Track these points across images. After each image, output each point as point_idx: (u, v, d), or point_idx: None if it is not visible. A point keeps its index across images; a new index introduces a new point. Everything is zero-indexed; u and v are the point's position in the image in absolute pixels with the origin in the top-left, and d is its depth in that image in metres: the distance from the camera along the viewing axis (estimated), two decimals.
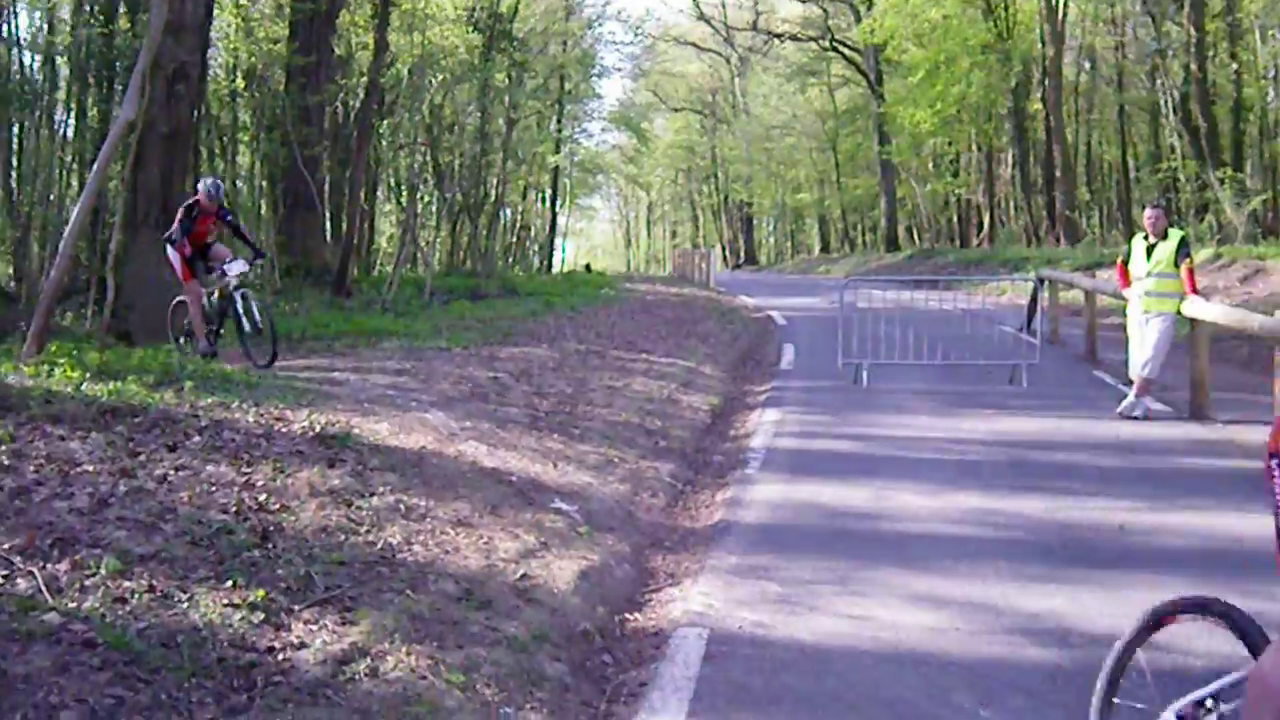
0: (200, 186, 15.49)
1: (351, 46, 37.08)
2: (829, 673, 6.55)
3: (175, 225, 15.42)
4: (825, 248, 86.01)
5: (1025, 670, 6.61)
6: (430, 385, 13.76)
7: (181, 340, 16.29)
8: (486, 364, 15.98)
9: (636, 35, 71.11)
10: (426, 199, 43.08)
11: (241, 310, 15.03)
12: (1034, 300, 20.87)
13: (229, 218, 16.00)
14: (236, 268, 15.16)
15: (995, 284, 32.47)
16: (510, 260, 56.32)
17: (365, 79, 31.54)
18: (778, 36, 75.40)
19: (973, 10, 49.19)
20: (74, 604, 5.89)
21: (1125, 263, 15.14)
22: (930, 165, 63.04)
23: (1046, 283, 22.92)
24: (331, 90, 32.41)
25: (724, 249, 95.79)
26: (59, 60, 36.82)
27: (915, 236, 68.95)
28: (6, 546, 6.49)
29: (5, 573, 6.17)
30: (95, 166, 15.51)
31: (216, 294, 15.69)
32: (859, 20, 60.34)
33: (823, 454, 12.85)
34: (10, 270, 34.81)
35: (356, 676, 5.71)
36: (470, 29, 36.71)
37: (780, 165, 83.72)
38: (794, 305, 33.47)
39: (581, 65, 55.54)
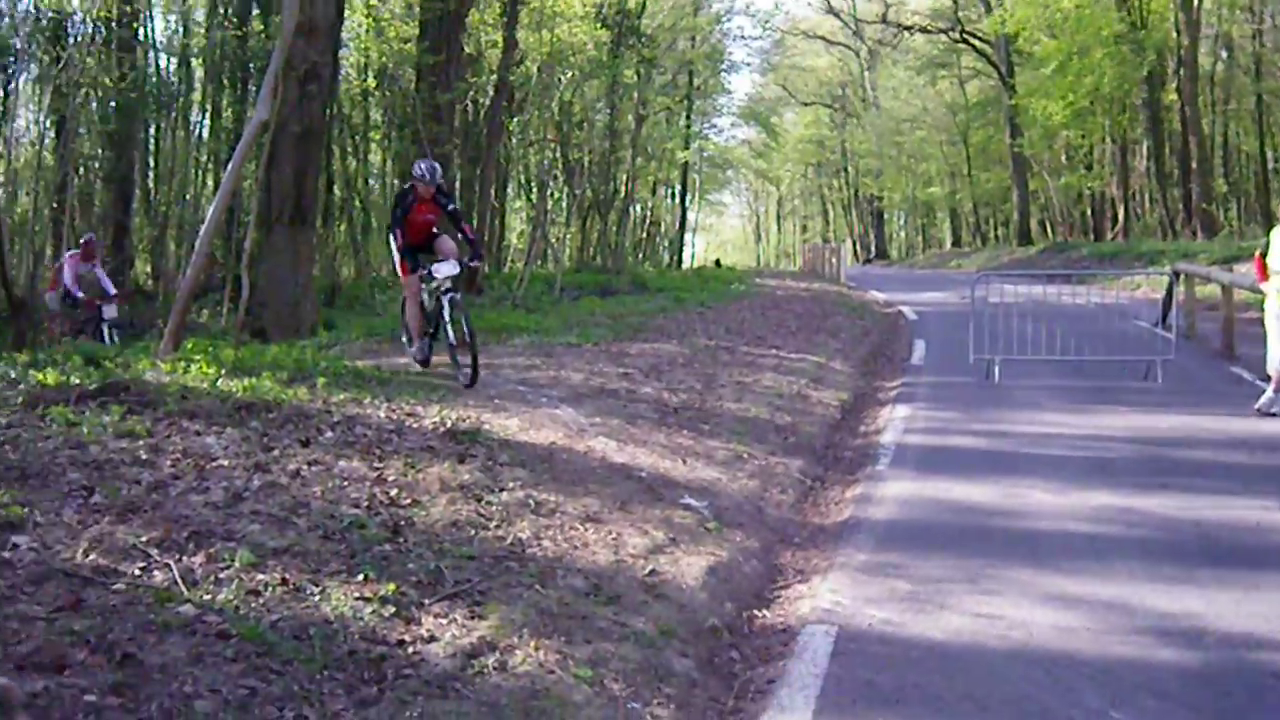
0: (415, 168, 13.80)
1: (481, 45, 37.35)
2: (957, 671, 6.48)
3: (391, 214, 14.18)
4: (957, 242, 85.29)
5: (1157, 671, 6.49)
6: (560, 381, 13.82)
7: (405, 339, 15.08)
8: (616, 360, 16.00)
9: (765, 29, 71.10)
10: (556, 195, 43.31)
11: (448, 318, 13.29)
12: (1169, 295, 20.55)
13: (450, 206, 14.03)
14: (444, 269, 13.33)
15: (1130, 278, 31.98)
16: (640, 256, 56.51)
17: (495, 77, 31.76)
18: (907, 29, 74.83)
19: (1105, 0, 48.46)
20: (209, 596, 5.98)
21: (1264, 256, 14.83)
22: (1063, 158, 62.25)
23: (1182, 277, 22.56)
24: (461, 88, 32.63)
25: (854, 243, 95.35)
26: (194, 62, 37.48)
27: (1048, 230, 68.11)
28: (144, 539, 6.61)
29: (142, 565, 6.29)
30: (230, 166, 15.73)
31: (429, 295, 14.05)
32: (989, 11, 59.77)
33: (953, 450, 12.73)
34: (148, 269, 35.50)
35: (485, 670, 5.74)
36: (599, 25, 36.80)
37: (910, 159, 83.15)
38: (925, 300, 33.21)
39: (710, 60, 55.51)
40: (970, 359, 17.72)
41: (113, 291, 20.99)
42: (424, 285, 13.68)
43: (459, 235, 14.13)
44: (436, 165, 14.00)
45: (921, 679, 6.40)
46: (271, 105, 14.99)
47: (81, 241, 21.38)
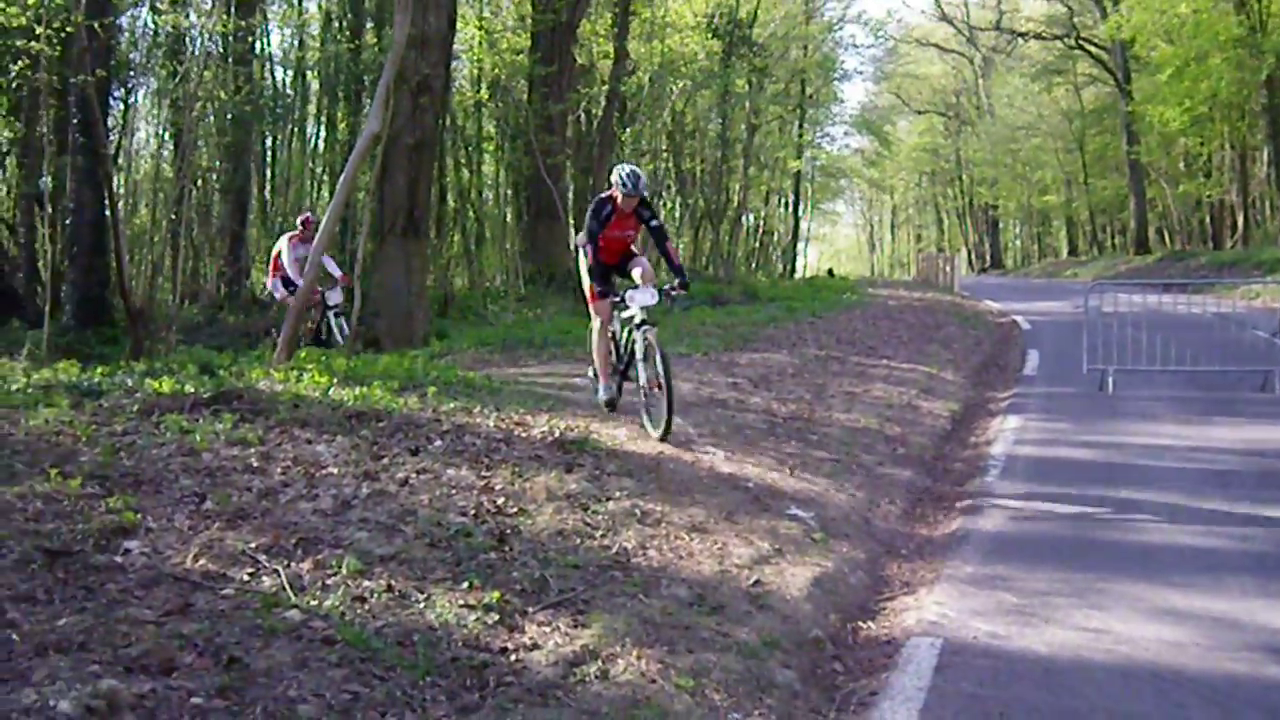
0: (614, 175, 11.49)
1: (593, 55, 37.53)
2: (1062, 686, 6.41)
3: (585, 226, 11.86)
4: (1073, 250, 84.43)
5: (1267, 688, 6.38)
6: None
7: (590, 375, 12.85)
8: (726, 369, 16.00)
9: (878, 37, 70.80)
10: (670, 205, 43.38)
11: (640, 356, 11.28)
12: None
13: (654, 222, 11.86)
14: (642, 298, 11.20)
15: (1249, 287, 31.49)
16: (753, 265, 56.42)
17: (606, 87, 31.86)
18: (1021, 35, 74.21)
19: (1224, 4, 47.74)
20: (315, 602, 6.07)
21: None
22: (1181, 165, 61.42)
23: None
24: (573, 99, 32.84)
25: (969, 253, 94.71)
26: (309, 75, 37.97)
27: (1166, 238, 67.25)
28: (253, 545, 6.73)
29: (251, 570, 6.40)
30: (343, 177, 15.92)
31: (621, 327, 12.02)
32: (1105, 17, 59.04)
33: (1064, 462, 12.59)
34: (265, 279, 35.98)
35: (586, 678, 5.77)
36: (710, 35, 36.85)
37: (1026, 167, 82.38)
38: (1039, 310, 32.91)
39: (822, 69, 55.34)
40: (1084, 369, 17.52)
41: (337, 274, 19.49)
42: (615, 313, 11.82)
43: (661, 256, 12.12)
44: (640, 173, 11.67)
45: (1025, 693, 6.35)
46: (383, 117, 15.16)
47: (299, 221, 19.81)
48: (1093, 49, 66.40)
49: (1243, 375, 17.27)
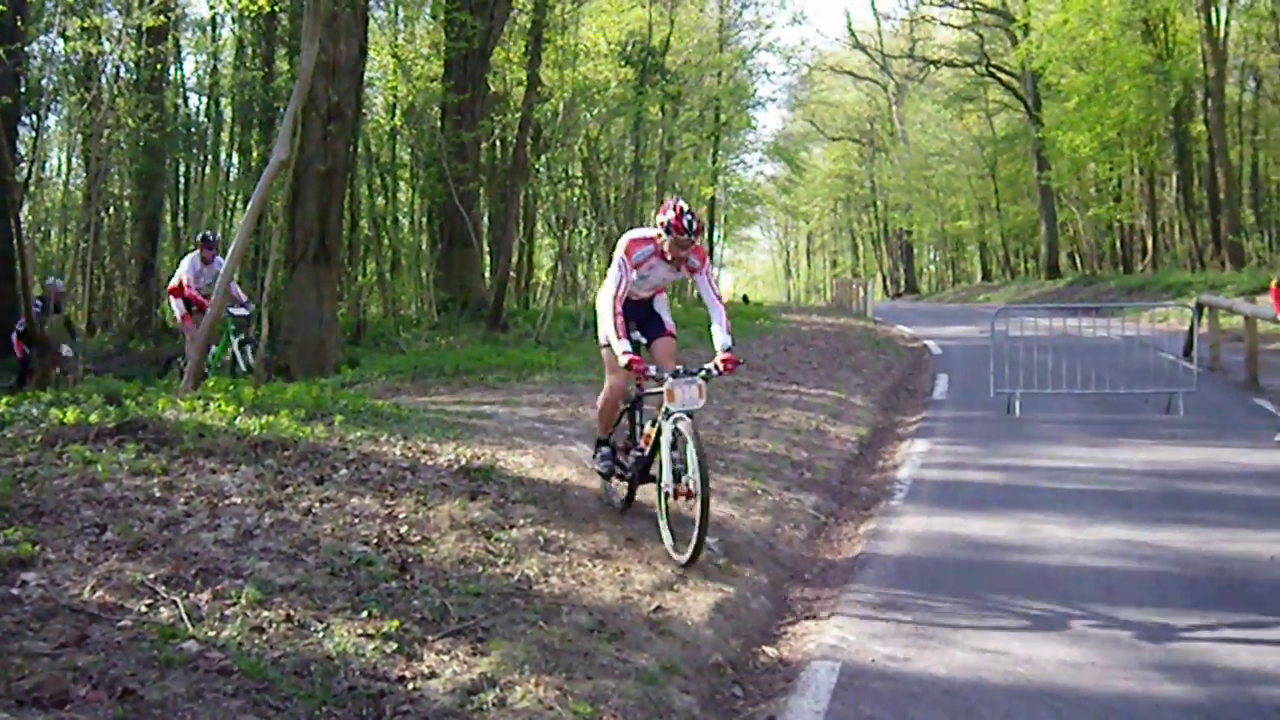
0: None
1: (507, 83, 37.53)
2: (959, 708, 6.49)
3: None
4: (986, 275, 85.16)
5: (1162, 707, 6.49)
6: (577, 418, 13.84)
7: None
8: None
9: (789, 63, 71.18)
10: (585, 232, 43.43)
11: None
12: (1193, 327, 20.54)
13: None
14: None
15: (1157, 310, 31.89)
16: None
17: (519, 115, 31.90)
18: (934, 63, 74.77)
19: (1132, 32, 48.46)
20: (213, 632, 6.07)
21: None
22: (1091, 190, 62.18)
23: (1205, 309, 22.53)
24: (486, 126, 32.81)
25: (884, 278, 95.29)
26: (223, 102, 37.80)
27: (1077, 262, 67.98)
28: (153, 576, 6.70)
29: (150, 601, 6.37)
30: (250, 205, 15.85)
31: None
32: (1015, 45, 59.75)
33: (969, 485, 12.73)
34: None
35: (484, 706, 5.80)
36: (623, 63, 36.91)
37: (939, 192, 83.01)
38: (951, 334, 33.18)
39: (736, 96, 55.51)
40: (991, 393, 17.70)
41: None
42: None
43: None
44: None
45: (922, 715, 6.43)
46: (291, 144, 15.09)
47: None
48: (1003, 76, 67.07)
49: (1148, 397, 17.50)
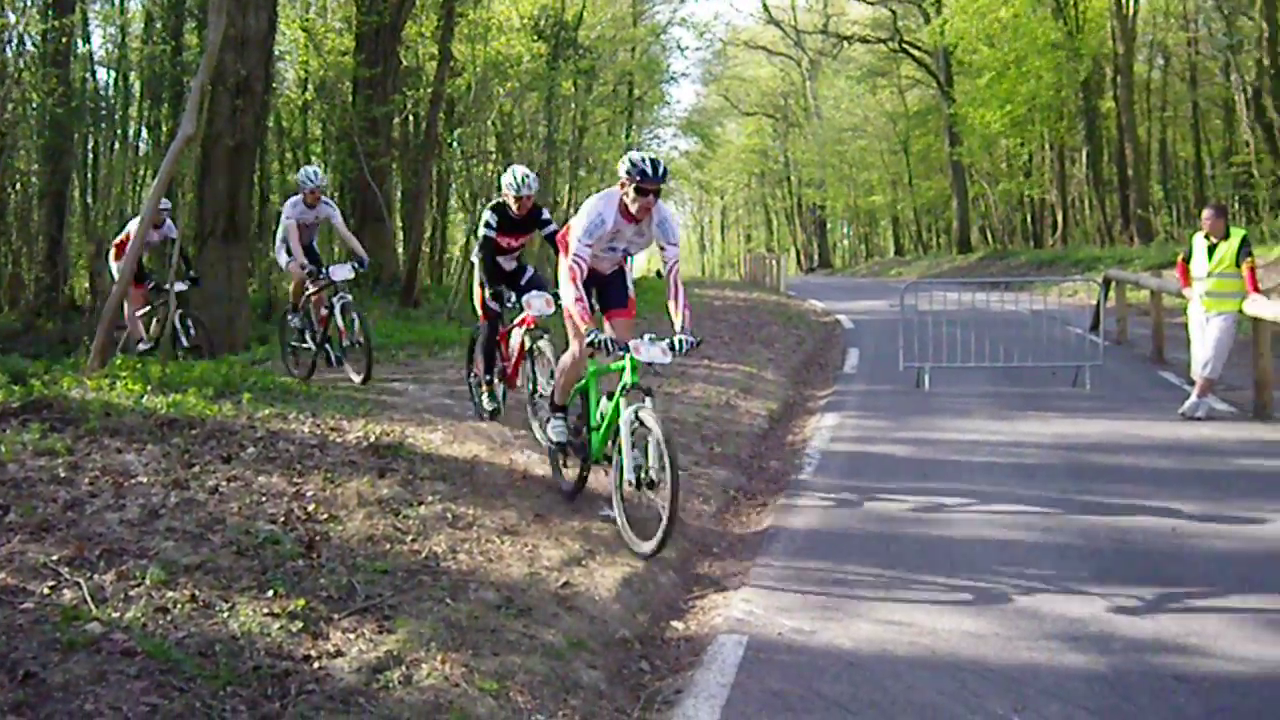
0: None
1: (419, 58, 37.32)
2: (864, 679, 6.55)
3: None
4: (899, 250, 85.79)
5: (1063, 676, 6.56)
6: None
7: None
8: None
9: (702, 37, 71.19)
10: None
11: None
12: (1100, 301, 20.79)
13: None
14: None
15: (1067, 285, 32.21)
16: None
17: (431, 90, 31.73)
18: (847, 39, 75.15)
19: (1042, 9, 48.85)
20: (117, 614, 6.01)
21: (1186, 261, 15.06)
22: (1002, 165, 62.69)
23: (1112, 283, 22.81)
24: (398, 101, 32.63)
25: (798, 253, 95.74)
26: (131, 76, 37.28)
27: (988, 237, 68.52)
28: (56, 558, 6.65)
29: (52, 584, 6.32)
30: (155, 181, 15.68)
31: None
32: (928, 21, 60.11)
33: (878, 458, 12.82)
34: (86, 285, 35.27)
35: (390, 684, 5.78)
36: (535, 38, 36.79)
37: (852, 168, 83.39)
38: (862, 309, 33.38)
39: (649, 72, 55.50)
40: (900, 367, 17.83)
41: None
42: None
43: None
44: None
45: (828, 687, 6.47)
46: (198, 119, 14.96)
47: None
48: (916, 53, 67.48)
49: (1056, 371, 17.70)
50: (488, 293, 11.54)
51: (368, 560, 7.39)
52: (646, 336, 8.94)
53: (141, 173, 37.65)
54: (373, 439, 10.32)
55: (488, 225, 11.41)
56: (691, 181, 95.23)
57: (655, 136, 67.96)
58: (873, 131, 79.13)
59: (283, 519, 7.90)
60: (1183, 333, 16.18)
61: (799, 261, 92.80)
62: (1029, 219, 63.86)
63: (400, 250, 36.52)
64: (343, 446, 10.03)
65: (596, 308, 9.83)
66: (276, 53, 30.82)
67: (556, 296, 10.41)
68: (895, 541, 9.42)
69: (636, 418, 8.72)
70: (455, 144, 37.70)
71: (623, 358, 9.00)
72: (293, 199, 15.18)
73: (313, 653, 5.99)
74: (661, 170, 9.02)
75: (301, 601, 6.48)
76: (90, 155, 38.01)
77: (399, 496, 8.83)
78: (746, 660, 6.86)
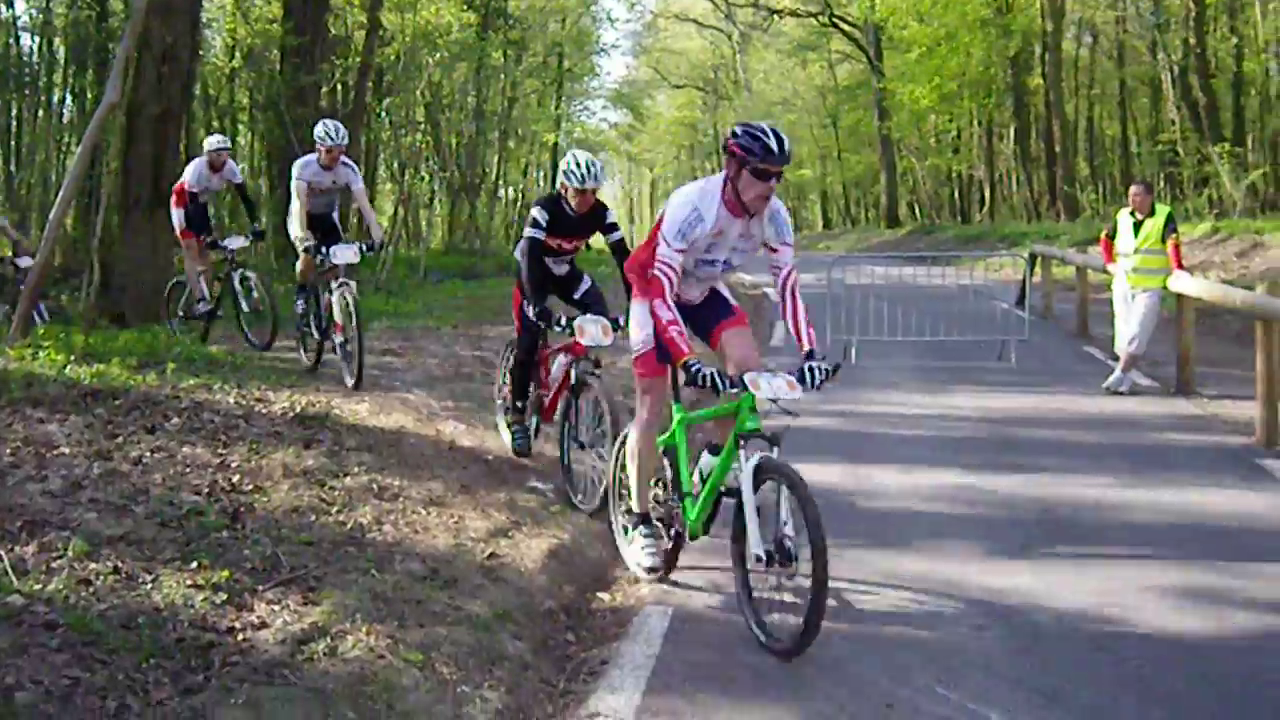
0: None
1: (348, 26, 37.08)
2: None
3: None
4: (828, 224, 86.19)
5: (986, 646, 6.63)
6: (415, 365, 13.81)
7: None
8: (473, 343, 16.02)
9: (633, 9, 71.22)
10: (427, 178, 43.15)
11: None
12: (1026, 276, 20.96)
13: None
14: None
15: (996, 259, 32.44)
16: (511, 238, 56.45)
17: (360, 59, 31.56)
18: (777, 12, 75.17)
19: None
20: (38, 586, 5.94)
21: (1110, 238, 15.21)
22: (931, 140, 63.03)
23: (1038, 259, 23.00)
24: (325, 70, 32.39)
25: None
26: (56, 42, 36.86)
27: (916, 212, 68.91)
28: None
29: None
30: (79, 148, 15.53)
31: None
32: None
33: (805, 431, 12.77)
34: (10, 253, 34.95)
35: (315, 656, 5.75)
36: (465, 7, 36.66)
37: None
38: None
39: (579, 43, 55.46)
40: (828, 340, 17.90)
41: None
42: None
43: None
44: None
45: (753, 658, 6.51)
46: (123, 86, 14.81)
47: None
48: (846, 27, 67.68)
49: (982, 344, 17.83)
50: (532, 309, 9.41)
51: (293, 531, 7.35)
52: (765, 370, 7.14)
53: (66, 140, 37.27)
54: (299, 410, 10.29)
55: (535, 225, 9.38)
56: (621, 154, 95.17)
57: (585, 108, 68.12)
58: (802, 105, 79.38)
59: (207, 490, 7.85)
60: (1107, 308, 16.33)
61: None
62: (957, 194, 64.29)
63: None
64: (268, 417, 9.98)
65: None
66: (203, 19, 30.54)
67: (617, 323, 9.01)
68: (822, 513, 9.46)
69: (764, 473, 6.74)
70: (384, 114, 37.56)
71: (736, 396, 6.94)
72: (305, 158, 13.07)
73: (237, 624, 5.95)
74: (788, 146, 6.82)
75: (226, 573, 6.44)
76: (14, 122, 37.59)
77: (325, 468, 8.80)
78: (672, 631, 6.90)
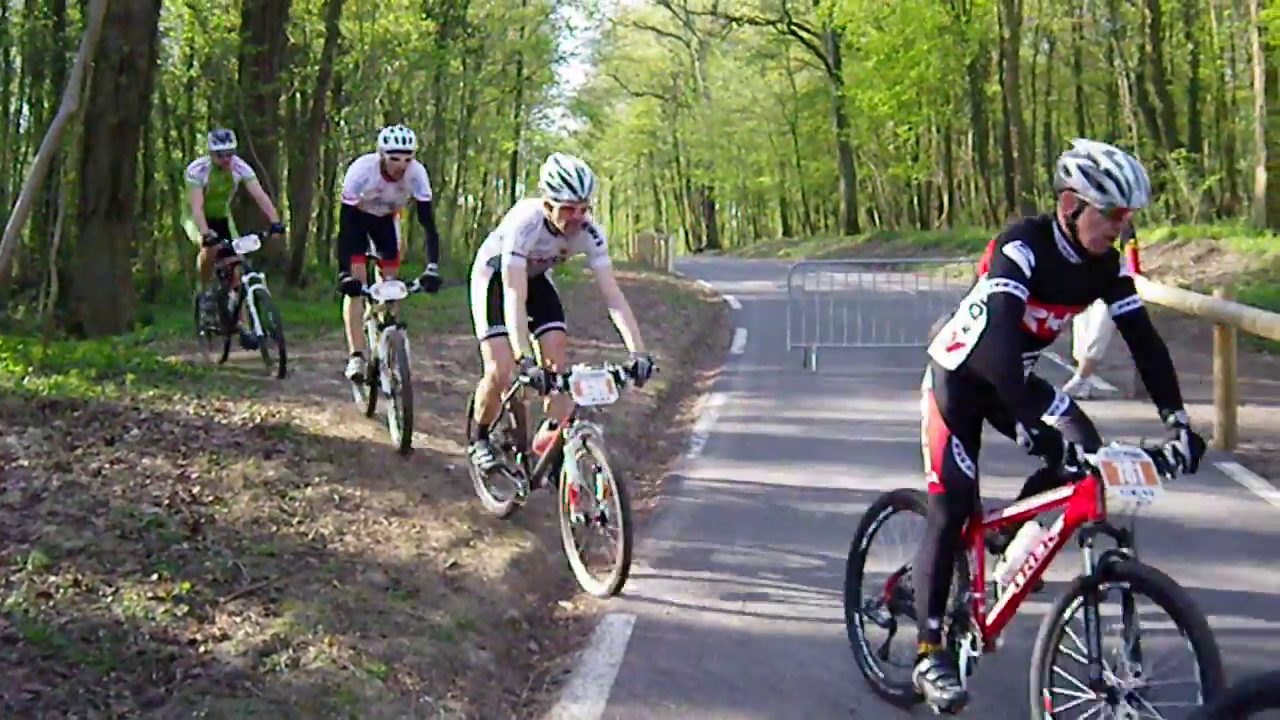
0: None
1: (307, 35, 36.98)
2: (754, 658, 6.60)
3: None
4: (787, 231, 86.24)
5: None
6: None
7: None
8: (433, 352, 16.00)
9: (592, 17, 71.30)
10: None
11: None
12: None
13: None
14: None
15: (953, 266, 32.54)
16: (470, 246, 56.37)
17: (319, 68, 31.49)
18: (736, 20, 75.30)
19: None
20: None
21: None
22: (890, 148, 63.19)
23: None
24: (284, 79, 32.29)
25: (686, 233, 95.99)
26: (13, 52, 36.66)
27: (876, 219, 69.06)
28: None
29: None
30: (37, 159, 15.41)
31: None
32: (817, 4, 60.36)
33: (765, 438, 12.91)
34: None
35: (277, 668, 5.75)
36: (424, 15, 36.62)
37: (741, 149, 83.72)
38: (751, 289, 33.53)
39: (538, 51, 55.48)
40: (788, 347, 17.95)
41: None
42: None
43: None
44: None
45: (718, 666, 6.52)
46: (80, 96, 14.75)
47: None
48: (805, 34, 67.79)
49: None
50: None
51: (254, 543, 7.34)
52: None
53: (23, 150, 37.04)
54: (259, 420, 10.25)
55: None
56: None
57: (544, 116, 68.17)
58: (761, 113, 79.48)
59: (167, 502, 7.82)
60: None
61: (688, 242, 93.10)
62: (915, 201, 64.40)
63: (286, 230, 36.20)
64: (228, 428, 9.95)
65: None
66: (161, 28, 30.38)
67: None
68: (784, 520, 9.50)
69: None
70: (343, 122, 37.45)
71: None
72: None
73: (198, 637, 5.95)
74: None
75: (186, 585, 6.43)
76: None
77: (285, 478, 8.78)
78: (635, 639, 6.91)
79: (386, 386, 10.76)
